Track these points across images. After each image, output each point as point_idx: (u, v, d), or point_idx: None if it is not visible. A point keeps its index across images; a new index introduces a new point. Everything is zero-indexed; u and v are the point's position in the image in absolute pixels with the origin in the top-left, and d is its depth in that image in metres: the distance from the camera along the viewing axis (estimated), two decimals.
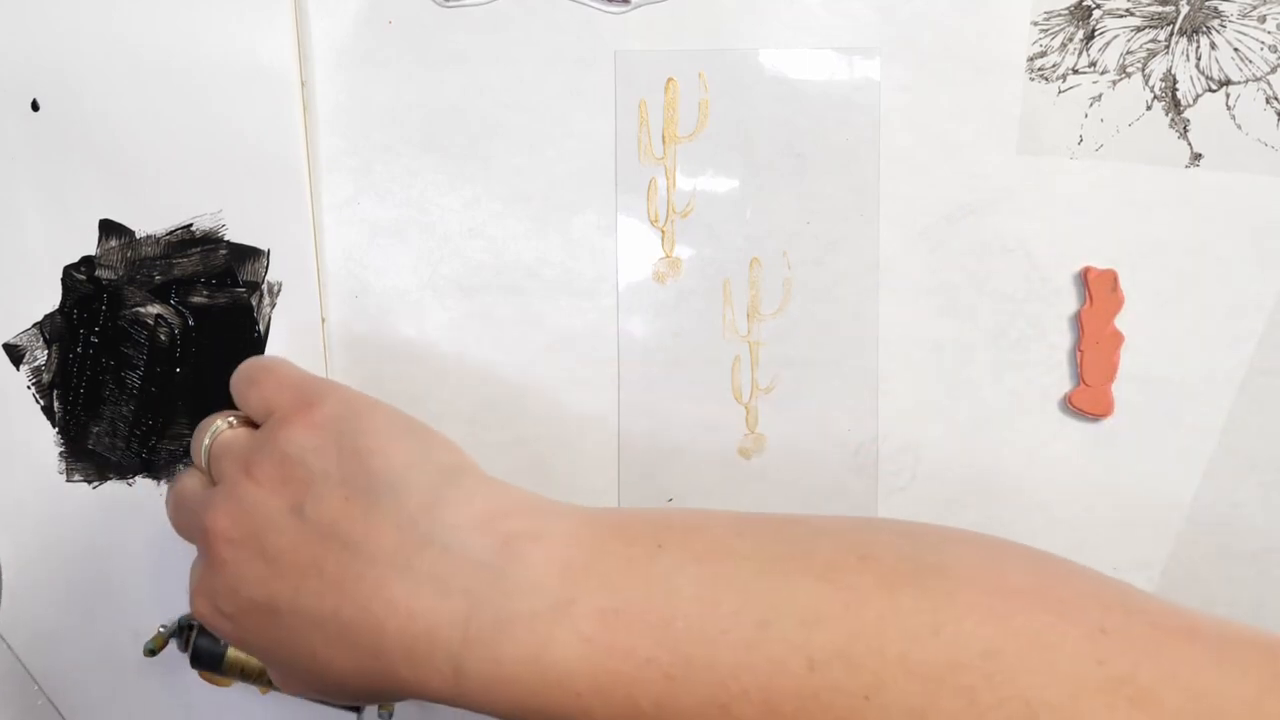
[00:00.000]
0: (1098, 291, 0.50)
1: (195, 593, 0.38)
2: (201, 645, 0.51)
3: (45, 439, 0.54)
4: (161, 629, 0.53)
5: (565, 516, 0.34)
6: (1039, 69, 0.49)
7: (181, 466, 0.54)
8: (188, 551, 0.55)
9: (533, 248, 0.52)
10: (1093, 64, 0.49)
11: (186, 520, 0.39)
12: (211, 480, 0.39)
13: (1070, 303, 0.51)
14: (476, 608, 0.32)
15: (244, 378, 0.41)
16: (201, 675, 0.54)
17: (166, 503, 0.41)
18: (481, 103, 0.51)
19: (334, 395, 0.38)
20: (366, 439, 0.35)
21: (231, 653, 0.50)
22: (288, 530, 0.35)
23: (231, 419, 0.40)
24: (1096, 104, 0.49)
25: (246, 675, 0.51)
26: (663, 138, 0.51)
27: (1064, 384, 0.51)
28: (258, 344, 0.53)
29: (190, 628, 0.51)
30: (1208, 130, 0.49)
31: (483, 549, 0.33)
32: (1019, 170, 0.50)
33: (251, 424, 0.40)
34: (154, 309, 0.53)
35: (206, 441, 0.40)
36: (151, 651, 0.52)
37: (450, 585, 0.33)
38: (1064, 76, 0.49)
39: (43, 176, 0.52)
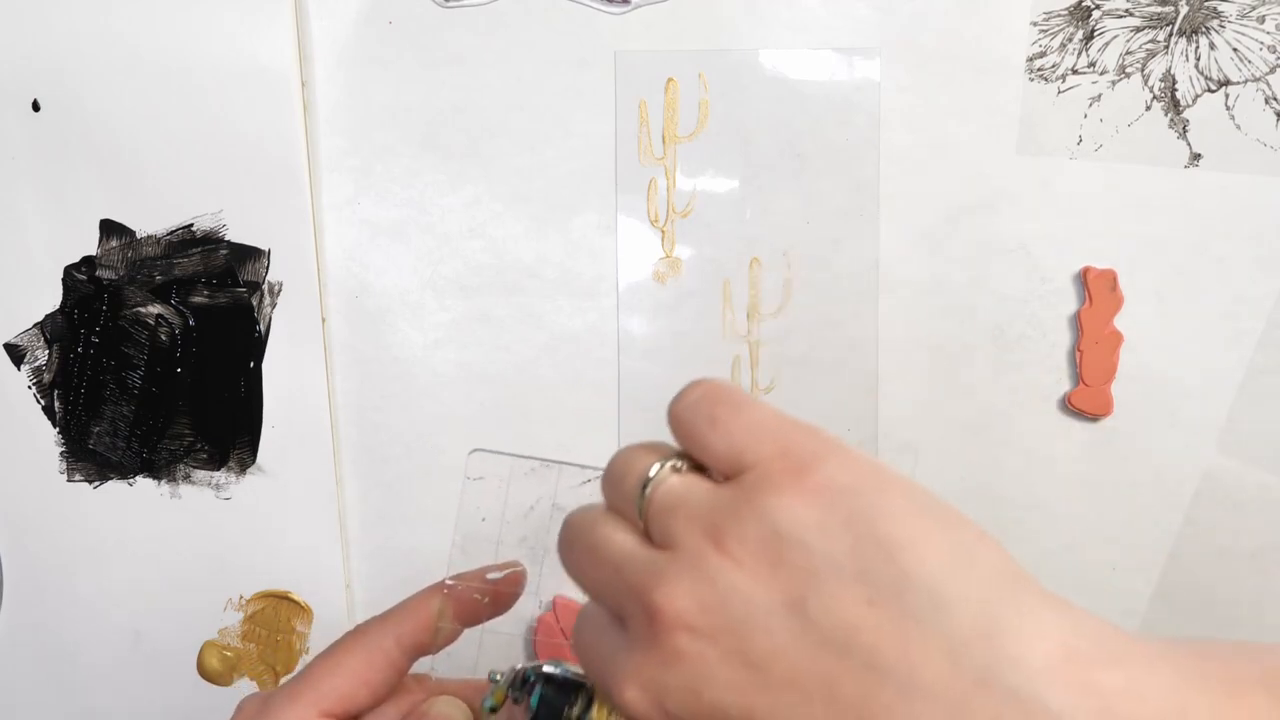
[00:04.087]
0: (1097, 291, 0.50)
1: (627, 679, 0.29)
2: (550, 700, 0.37)
3: (46, 439, 0.54)
4: (495, 679, 0.39)
5: (1155, 663, 0.26)
6: (1038, 69, 0.49)
7: (182, 466, 0.54)
8: (187, 551, 0.55)
9: (533, 248, 0.52)
10: (1092, 64, 0.49)
11: (611, 580, 0.30)
12: (648, 537, 0.31)
13: (1070, 303, 0.51)
14: None
15: (702, 414, 0.31)
16: None
17: (568, 545, 0.32)
18: (481, 103, 0.51)
19: (835, 456, 0.29)
20: (890, 524, 0.27)
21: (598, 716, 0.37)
22: (781, 631, 0.27)
23: (675, 461, 0.31)
24: (1096, 104, 0.49)
25: None
26: (663, 138, 0.51)
27: (1064, 384, 0.52)
28: (258, 344, 0.53)
29: (531, 680, 0.38)
30: (1207, 130, 0.49)
31: (1069, 706, 0.25)
32: (1019, 170, 0.50)
33: (699, 469, 0.31)
34: (154, 309, 0.53)
35: (646, 488, 0.31)
36: (493, 709, 0.39)
37: None
38: (1063, 77, 0.49)
39: (43, 176, 0.52)
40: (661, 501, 0.30)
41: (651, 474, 0.31)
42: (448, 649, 0.42)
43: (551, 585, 0.41)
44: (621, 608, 0.30)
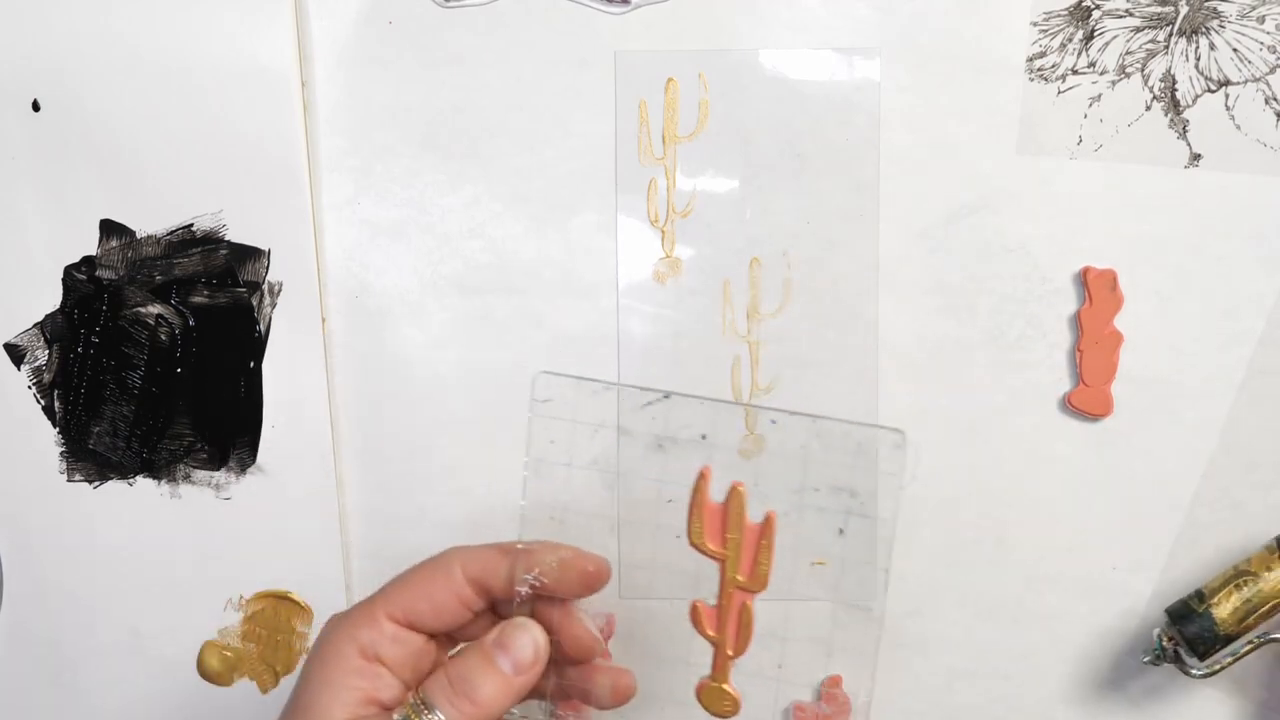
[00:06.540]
0: (1097, 291, 0.50)
1: None
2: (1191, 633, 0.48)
3: (46, 439, 0.54)
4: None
5: None
6: (1038, 69, 0.49)
7: (182, 466, 0.54)
8: (187, 551, 0.55)
9: (533, 248, 0.52)
10: (1092, 64, 0.49)
11: None
12: None
13: (1070, 303, 0.51)
14: None
15: None
16: None
17: None
18: (481, 103, 0.51)
19: None
20: None
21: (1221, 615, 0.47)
22: None
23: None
24: (1096, 104, 0.49)
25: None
26: (663, 138, 0.51)
27: (1064, 384, 0.51)
28: (258, 344, 0.53)
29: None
30: (1207, 130, 0.49)
31: None
32: (1019, 170, 0.50)
33: None
34: (154, 309, 0.53)
35: None
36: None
37: None
38: (1063, 77, 0.49)
39: (43, 176, 0.52)
40: None
41: None
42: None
43: (625, 510, 0.43)
44: None
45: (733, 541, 0.41)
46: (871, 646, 0.42)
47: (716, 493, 0.41)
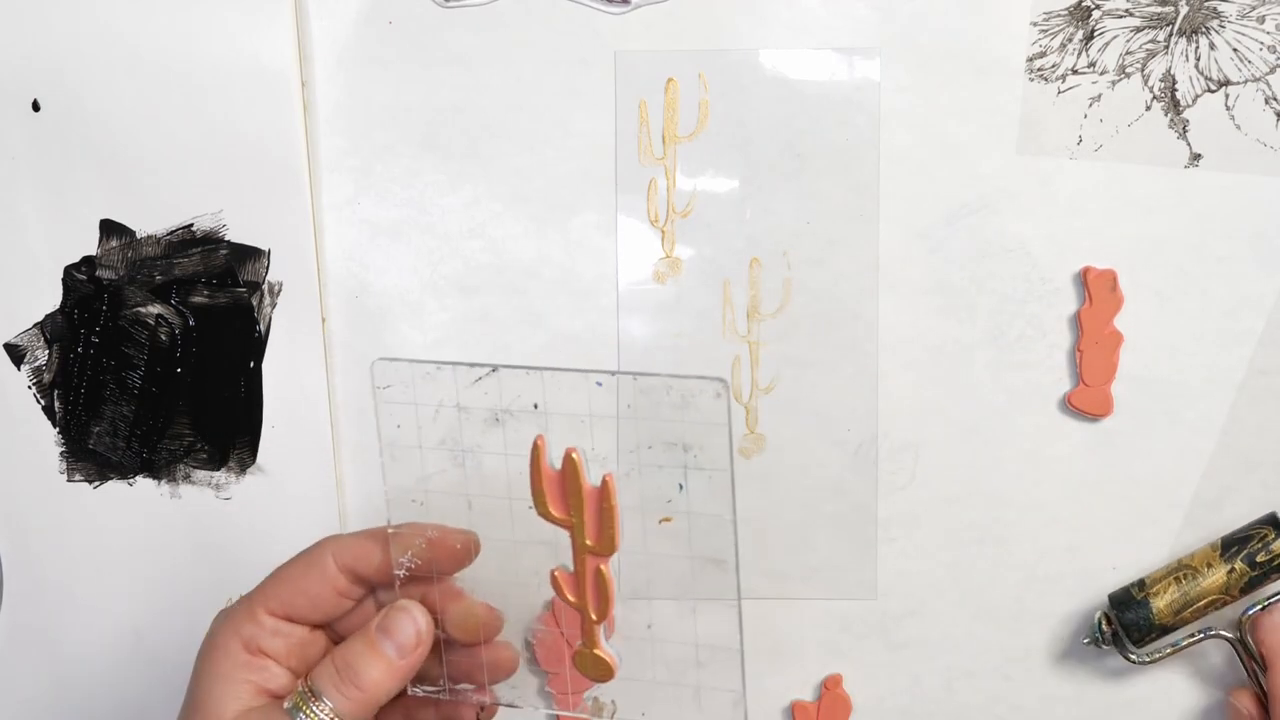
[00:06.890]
0: (1097, 291, 0.50)
1: None
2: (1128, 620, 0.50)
3: (46, 439, 0.54)
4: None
5: None
6: (1039, 69, 0.49)
7: (182, 466, 0.54)
8: (187, 551, 0.55)
9: (533, 248, 0.52)
10: (1092, 64, 0.49)
11: None
12: None
13: (1070, 303, 0.51)
14: None
15: None
16: None
17: None
18: (481, 103, 0.51)
19: None
20: None
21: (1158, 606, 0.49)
22: None
23: None
24: (1096, 104, 0.49)
25: None
26: (663, 138, 0.51)
27: (1064, 384, 0.51)
28: (258, 344, 0.53)
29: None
30: (1207, 130, 0.49)
31: None
32: (1019, 170, 0.50)
33: None
34: (154, 309, 0.53)
35: None
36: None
37: None
38: (1063, 77, 0.49)
39: (43, 176, 0.52)
40: None
41: None
42: None
43: (476, 486, 0.44)
44: None
45: (575, 508, 0.41)
46: (732, 597, 0.42)
47: (556, 460, 0.41)
